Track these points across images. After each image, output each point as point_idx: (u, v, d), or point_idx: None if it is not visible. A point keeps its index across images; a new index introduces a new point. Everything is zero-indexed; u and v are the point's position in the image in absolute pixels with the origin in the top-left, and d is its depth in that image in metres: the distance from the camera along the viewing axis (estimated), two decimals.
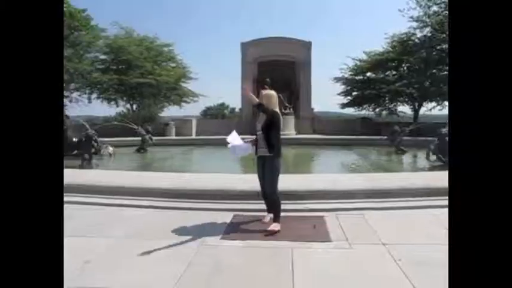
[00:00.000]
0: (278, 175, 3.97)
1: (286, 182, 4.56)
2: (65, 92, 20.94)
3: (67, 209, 4.50)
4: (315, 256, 3.25)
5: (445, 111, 22.25)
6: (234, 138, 4.21)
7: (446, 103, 21.45)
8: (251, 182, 4.59)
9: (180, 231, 3.91)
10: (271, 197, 4.00)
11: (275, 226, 3.87)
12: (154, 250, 3.35)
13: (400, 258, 3.13)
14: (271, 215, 4.07)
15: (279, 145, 3.98)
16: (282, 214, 3.99)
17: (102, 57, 23.55)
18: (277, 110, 4.03)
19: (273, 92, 4.13)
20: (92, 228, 4.03)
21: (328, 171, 8.97)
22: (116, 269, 2.99)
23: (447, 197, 5.11)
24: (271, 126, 3.94)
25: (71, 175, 5.69)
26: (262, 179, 4.10)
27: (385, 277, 2.84)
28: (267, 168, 3.97)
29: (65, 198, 4.36)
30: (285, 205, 4.33)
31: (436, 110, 22.68)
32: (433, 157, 9.74)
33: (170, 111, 26.80)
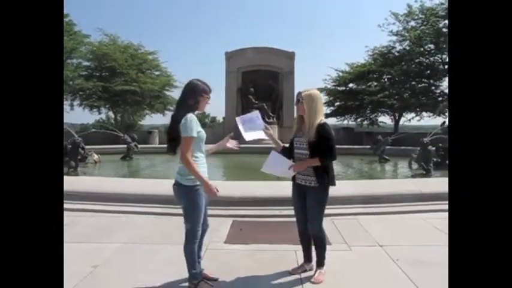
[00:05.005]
0: (324, 209, 2.97)
1: (286, 188, 4.67)
2: None
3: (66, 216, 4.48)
4: None
5: (424, 122, 23.16)
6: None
7: (425, 114, 22.40)
8: (248, 188, 4.70)
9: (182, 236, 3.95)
10: (316, 234, 2.97)
11: (320, 274, 2.94)
12: (160, 255, 3.43)
13: (397, 258, 3.33)
14: (313, 265, 3.09)
15: (332, 171, 2.92)
16: (283, 220, 3.80)
17: (86, 63, 23.24)
18: (323, 119, 2.90)
19: (316, 92, 2.94)
20: (94, 234, 4.04)
21: None
22: (125, 273, 3.04)
23: (436, 202, 5.29)
24: (322, 145, 2.80)
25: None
26: (300, 211, 3.05)
27: (387, 275, 3.04)
28: (311, 200, 2.91)
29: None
30: (284, 211, 4.48)
31: (415, 120, 23.61)
32: (414, 165, 10.22)
33: (153, 119, 26.56)
